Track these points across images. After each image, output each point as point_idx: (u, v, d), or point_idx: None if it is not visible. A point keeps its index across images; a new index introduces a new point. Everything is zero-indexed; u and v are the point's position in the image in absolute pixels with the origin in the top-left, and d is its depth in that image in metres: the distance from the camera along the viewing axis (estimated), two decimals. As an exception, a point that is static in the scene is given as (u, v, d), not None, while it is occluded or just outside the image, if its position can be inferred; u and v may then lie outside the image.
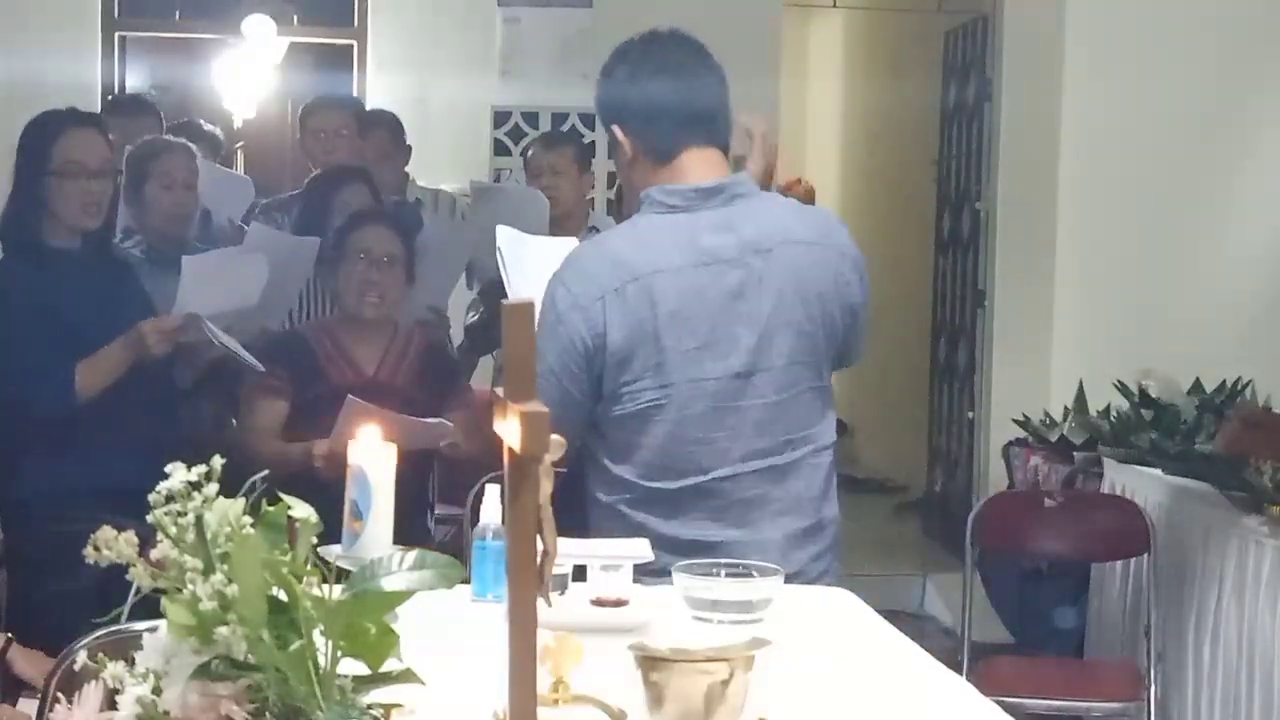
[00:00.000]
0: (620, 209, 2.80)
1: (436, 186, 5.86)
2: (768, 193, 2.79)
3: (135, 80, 7.62)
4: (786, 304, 2.65)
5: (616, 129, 2.73)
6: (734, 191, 2.68)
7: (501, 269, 2.93)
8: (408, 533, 2.96)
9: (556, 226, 4.83)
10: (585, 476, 2.72)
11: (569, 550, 2.19)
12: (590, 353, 2.62)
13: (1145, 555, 4.55)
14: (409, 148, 5.65)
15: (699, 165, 2.69)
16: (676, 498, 2.65)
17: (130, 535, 1.54)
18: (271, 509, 1.57)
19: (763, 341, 2.64)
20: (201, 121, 6.04)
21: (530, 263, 2.91)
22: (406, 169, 5.67)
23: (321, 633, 1.51)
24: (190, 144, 4.61)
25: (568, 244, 2.98)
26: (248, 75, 9.27)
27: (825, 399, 2.76)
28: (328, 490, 1.96)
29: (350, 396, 3.69)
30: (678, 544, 2.60)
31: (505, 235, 2.95)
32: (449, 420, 3.91)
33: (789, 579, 2.58)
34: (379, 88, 6.91)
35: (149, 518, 1.53)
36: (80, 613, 1.86)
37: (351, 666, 1.54)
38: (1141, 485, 4.84)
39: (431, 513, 4.40)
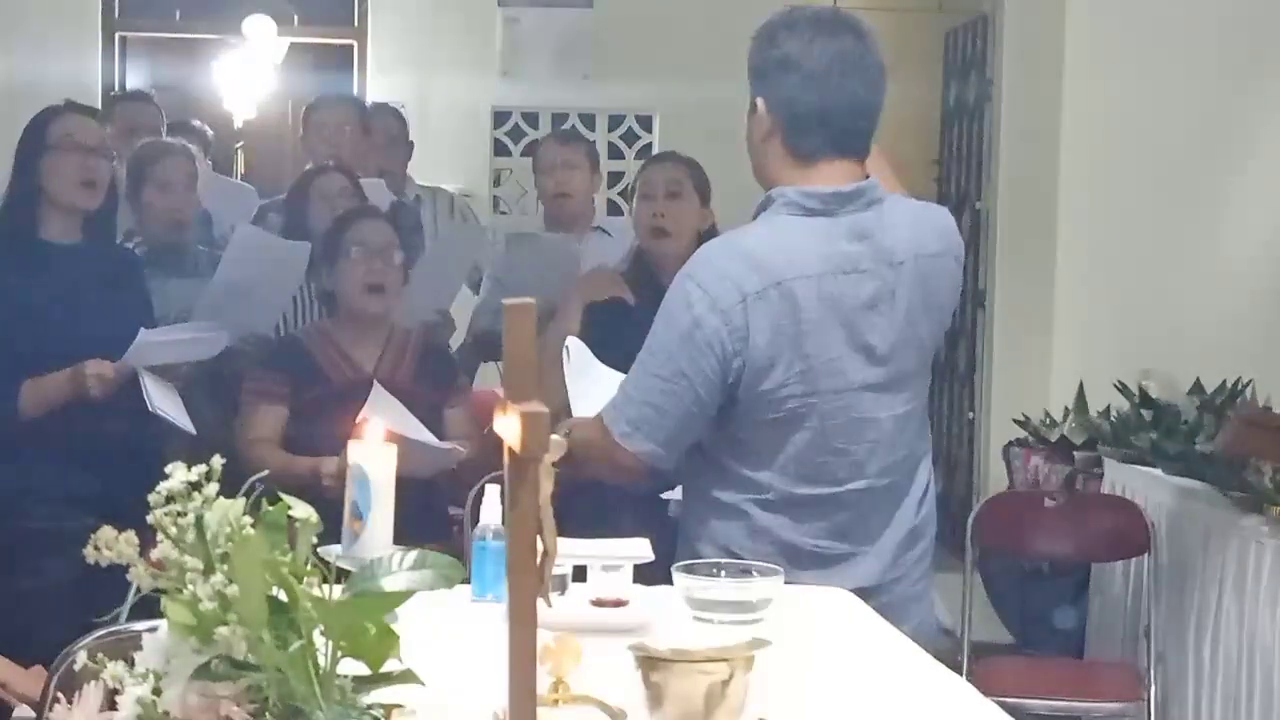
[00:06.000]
0: None
1: (435, 185, 5.86)
2: (896, 196, 2.69)
3: (135, 80, 7.62)
4: (914, 318, 2.59)
5: (761, 101, 2.59)
6: (870, 197, 2.58)
7: (565, 365, 2.85)
8: (425, 525, 2.96)
9: (566, 226, 4.84)
10: (695, 474, 2.64)
11: (569, 550, 2.19)
12: (728, 356, 2.50)
13: (1145, 555, 4.56)
14: (411, 144, 5.64)
15: (837, 171, 2.58)
16: (807, 505, 2.58)
17: (131, 535, 1.54)
18: (271, 509, 1.57)
19: (895, 354, 2.58)
20: (189, 120, 6.03)
21: (589, 377, 2.83)
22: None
23: (321, 633, 1.51)
24: (191, 146, 4.61)
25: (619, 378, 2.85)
26: (248, 75, 9.27)
27: (926, 412, 2.74)
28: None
29: (368, 419, 3.65)
30: (797, 553, 2.55)
31: (576, 346, 2.87)
32: (448, 414, 3.96)
33: (896, 583, 2.63)
34: (379, 88, 6.92)
35: (149, 518, 1.53)
36: (51, 611, 1.85)
37: (351, 666, 1.54)
38: (1142, 485, 4.84)
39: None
